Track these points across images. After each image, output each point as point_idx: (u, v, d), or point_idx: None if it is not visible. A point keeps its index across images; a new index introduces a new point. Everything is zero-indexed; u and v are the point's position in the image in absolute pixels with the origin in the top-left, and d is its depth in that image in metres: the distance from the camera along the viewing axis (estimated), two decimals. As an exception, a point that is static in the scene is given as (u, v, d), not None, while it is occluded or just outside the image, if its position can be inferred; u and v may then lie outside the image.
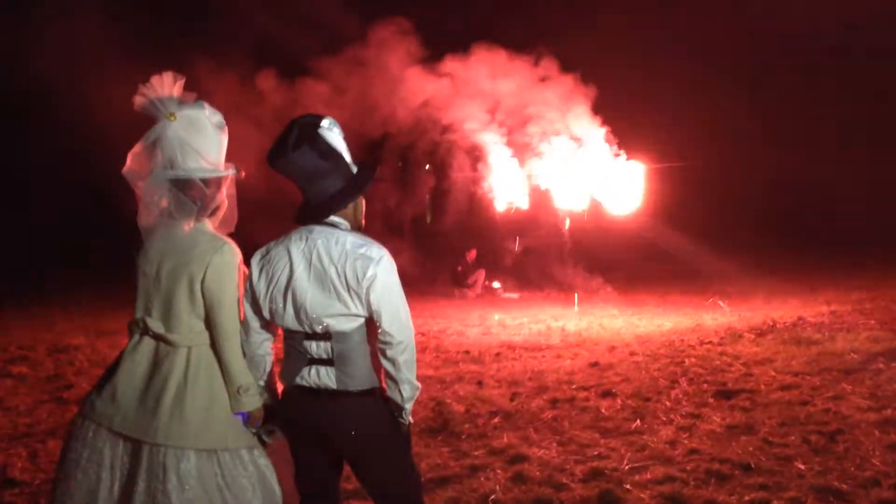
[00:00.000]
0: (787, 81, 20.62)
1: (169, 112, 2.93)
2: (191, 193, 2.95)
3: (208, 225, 3.02)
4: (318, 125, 2.83)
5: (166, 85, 2.97)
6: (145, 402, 2.87)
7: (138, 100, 2.97)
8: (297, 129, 2.82)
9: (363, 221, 3.01)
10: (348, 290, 2.76)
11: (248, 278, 2.89)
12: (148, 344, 2.95)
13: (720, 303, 11.74)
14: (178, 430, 2.82)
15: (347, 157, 2.89)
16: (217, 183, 2.99)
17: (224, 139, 3.05)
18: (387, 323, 2.77)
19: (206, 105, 3.01)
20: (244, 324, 2.95)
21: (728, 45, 17.65)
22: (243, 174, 3.10)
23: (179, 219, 2.96)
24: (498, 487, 4.53)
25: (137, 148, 3.00)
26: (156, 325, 2.92)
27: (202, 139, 2.97)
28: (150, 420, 2.83)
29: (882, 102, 19.31)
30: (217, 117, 3.02)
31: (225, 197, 3.06)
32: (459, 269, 15.11)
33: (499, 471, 4.81)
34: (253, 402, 2.93)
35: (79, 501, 2.86)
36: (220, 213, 3.08)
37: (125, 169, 3.01)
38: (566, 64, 11.80)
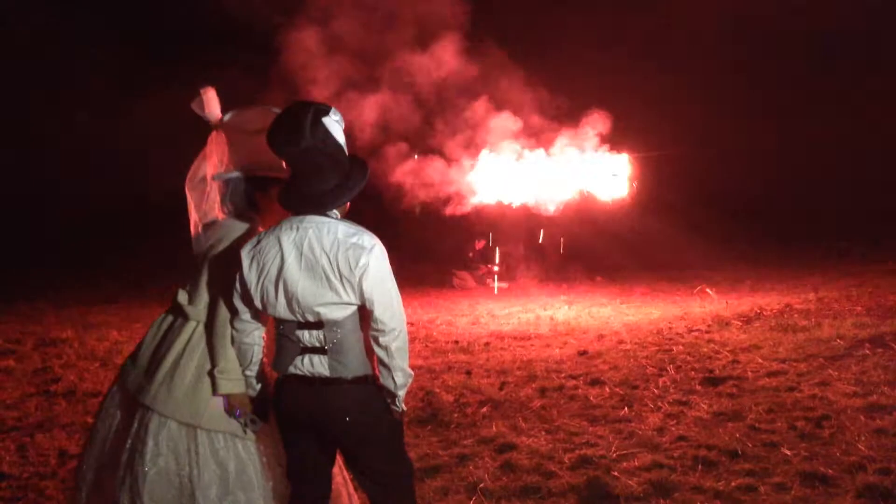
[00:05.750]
0: (774, 72, 20.66)
1: (213, 122, 3.25)
2: (226, 191, 3.22)
3: (253, 219, 3.19)
4: (327, 114, 2.79)
5: (210, 98, 3.25)
6: (150, 365, 3.10)
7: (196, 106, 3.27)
8: (311, 116, 2.74)
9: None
10: (340, 279, 2.75)
11: (239, 268, 2.88)
12: (171, 314, 3.20)
13: (708, 291, 11.79)
14: (165, 397, 3.00)
15: (346, 150, 2.87)
16: (233, 182, 3.20)
17: (252, 141, 3.16)
18: (379, 311, 2.78)
19: (242, 110, 3.24)
20: (233, 312, 2.95)
21: (714, 33, 17.57)
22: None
23: (225, 213, 3.24)
24: (486, 476, 4.54)
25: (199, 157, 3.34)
26: (182, 296, 3.16)
27: (229, 144, 3.22)
28: (148, 382, 3.04)
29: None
30: (251, 122, 3.18)
31: (257, 194, 3.22)
32: (470, 255, 15.12)
33: (487, 459, 4.83)
34: (229, 386, 3.00)
35: (96, 448, 3.15)
36: (263, 210, 3.23)
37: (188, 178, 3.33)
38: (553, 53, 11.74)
